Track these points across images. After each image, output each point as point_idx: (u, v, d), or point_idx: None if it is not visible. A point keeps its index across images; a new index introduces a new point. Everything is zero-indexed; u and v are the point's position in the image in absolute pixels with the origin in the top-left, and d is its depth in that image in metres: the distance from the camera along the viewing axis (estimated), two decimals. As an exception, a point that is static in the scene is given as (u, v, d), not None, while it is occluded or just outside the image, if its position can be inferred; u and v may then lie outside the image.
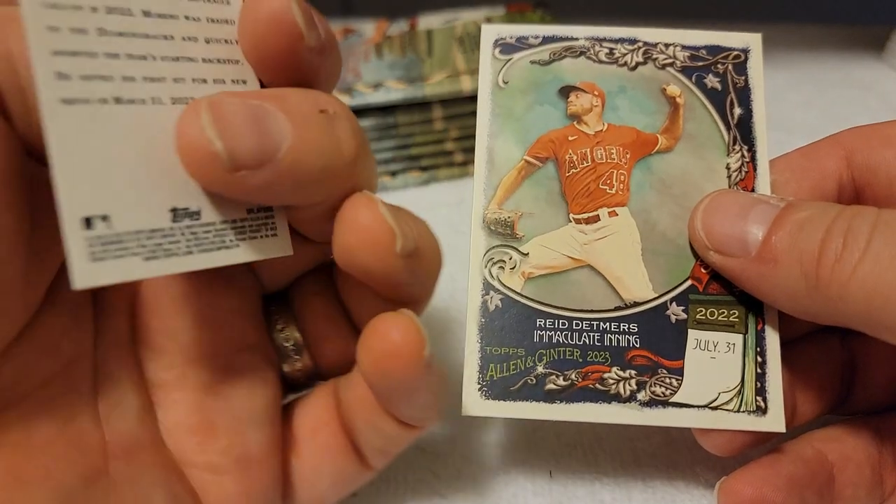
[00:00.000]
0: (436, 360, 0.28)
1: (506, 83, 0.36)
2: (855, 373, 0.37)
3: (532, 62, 0.36)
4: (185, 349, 0.30)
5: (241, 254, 0.28)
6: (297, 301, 0.35)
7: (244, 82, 0.28)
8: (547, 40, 0.37)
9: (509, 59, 0.36)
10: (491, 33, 0.37)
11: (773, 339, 0.33)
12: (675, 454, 0.38)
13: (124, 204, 0.24)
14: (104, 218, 0.23)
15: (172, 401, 0.31)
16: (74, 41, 0.23)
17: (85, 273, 0.22)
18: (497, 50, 0.36)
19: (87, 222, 0.23)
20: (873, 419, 0.36)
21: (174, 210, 0.25)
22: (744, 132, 0.35)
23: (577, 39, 0.37)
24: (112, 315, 0.30)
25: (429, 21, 0.65)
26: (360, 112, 0.56)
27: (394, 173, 0.60)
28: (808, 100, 0.71)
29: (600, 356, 0.33)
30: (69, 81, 0.23)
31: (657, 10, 0.81)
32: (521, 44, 0.37)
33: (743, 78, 0.36)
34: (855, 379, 0.37)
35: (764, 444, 0.33)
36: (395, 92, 0.56)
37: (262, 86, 0.29)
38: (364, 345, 0.28)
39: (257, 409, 0.32)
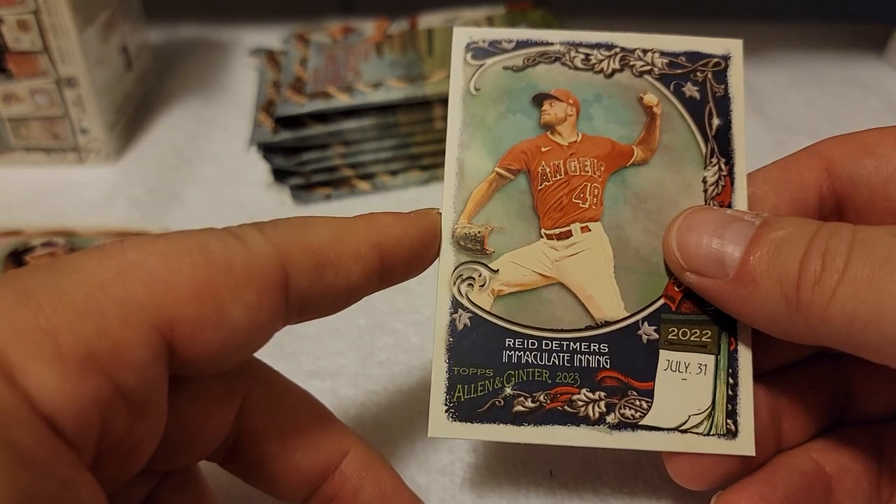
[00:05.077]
0: None
1: (477, 90, 0.35)
2: (851, 387, 0.36)
3: (505, 68, 0.35)
4: None
5: None
6: None
7: None
8: (521, 45, 0.35)
9: (482, 65, 0.35)
10: (463, 37, 0.36)
11: (745, 360, 0.32)
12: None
13: None
14: None
15: None
16: None
17: None
18: (469, 54, 0.35)
19: None
20: (872, 429, 0.35)
21: None
22: (722, 144, 0.34)
23: (552, 44, 0.35)
24: None
25: (429, 20, 0.65)
26: (360, 111, 0.56)
27: (394, 172, 0.59)
28: (810, 99, 0.70)
29: (570, 377, 0.32)
30: None
31: (658, 7, 0.80)
32: (494, 48, 0.35)
33: (723, 86, 0.34)
34: (851, 392, 0.36)
35: (731, 477, 0.33)
36: (395, 91, 0.56)
37: None
38: None
39: None
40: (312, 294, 0.28)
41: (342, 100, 0.55)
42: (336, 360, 0.45)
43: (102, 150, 0.62)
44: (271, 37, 0.77)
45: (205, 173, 0.62)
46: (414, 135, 0.57)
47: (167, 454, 0.28)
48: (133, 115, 0.67)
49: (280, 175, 0.58)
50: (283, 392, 0.33)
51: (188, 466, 0.32)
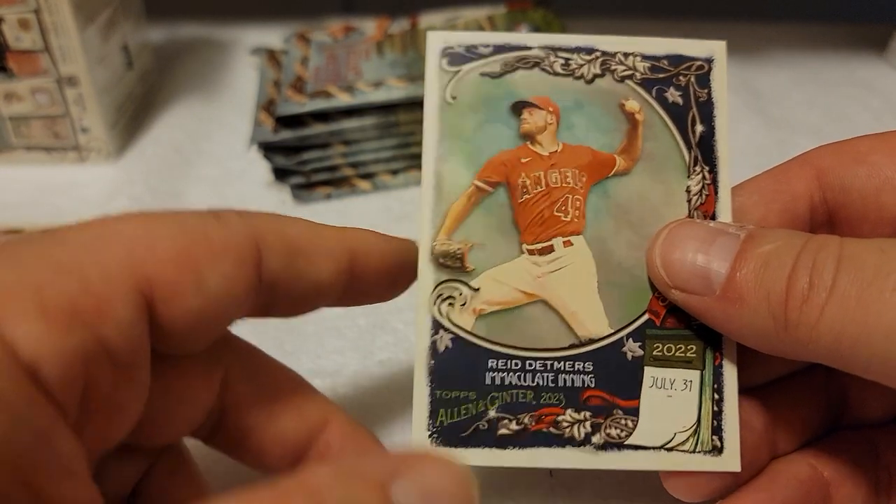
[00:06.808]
0: None
1: (454, 98, 0.33)
2: (846, 392, 0.35)
3: (482, 74, 0.34)
4: None
5: None
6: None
7: None
8: (498, 50, 0.34)
9: (458, 71, 0.34)
10: (437, 41, 0.34)
11: (730, 375, 0.32)
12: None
13: None
14: None
15: None
16: None
17: None
18: (444, 60, 0.34)
19: None
20: (868, 433, 0.35)
21: None
22: (705, 152, 0.33)
23: (530, 49, 0.34)
24: None
25: (430, 19, 0.64)
26: (361, 110, 0.56)
27: (395, 172, 0.59)
28: (811, 99, 0.70)
29: (554, 398, 0.31)
30: None
31: (657, 6, 0.80)
32: (471, 53, 0.34)
33: (706, 91, 0.33)
34: (847, 397, 0.35)
35: (728, 489, 0.32)
36: (396, 90, 0.55)
37: None
38: None
39: None
40: (284, 278, 0.29)
41: (343, 99, 0.55)
42: (336, 358, 0.45)
43: (103, 149, 0.62)
44: (272, 36, 0.76)
45: (205, 172, 0.62)
46: (414, 134, 0.57)
47: (153, 428, 0.29)
48: (134, 114, 0.67)
49: (280, 174, 0.58)
50: (264, 363, 0.33)
51: (178, 451, 0.32)
